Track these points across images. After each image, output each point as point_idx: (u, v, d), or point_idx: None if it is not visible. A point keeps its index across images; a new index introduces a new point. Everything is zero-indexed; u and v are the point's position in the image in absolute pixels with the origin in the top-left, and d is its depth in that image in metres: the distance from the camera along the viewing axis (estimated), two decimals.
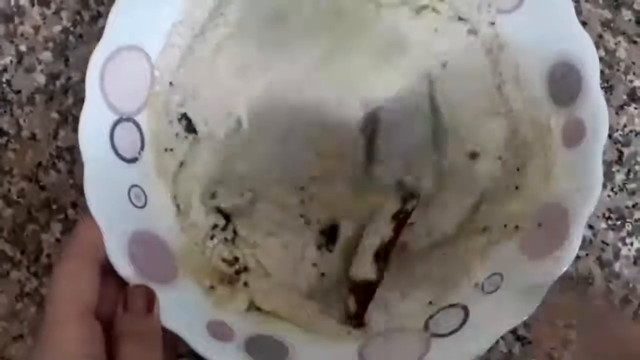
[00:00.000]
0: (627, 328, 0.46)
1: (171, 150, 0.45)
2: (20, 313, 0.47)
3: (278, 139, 0.46)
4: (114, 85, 0.41)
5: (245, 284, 0.44)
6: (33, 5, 0.48)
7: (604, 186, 0.46)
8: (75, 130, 0.47)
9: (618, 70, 0.48)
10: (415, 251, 0.45)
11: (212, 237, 0.45)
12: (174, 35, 0.44)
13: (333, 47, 0.46)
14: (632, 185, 0.47)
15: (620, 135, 0.47)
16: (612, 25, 0.48)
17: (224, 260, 0.45)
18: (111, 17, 0.41)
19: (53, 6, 0.48)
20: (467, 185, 0.45)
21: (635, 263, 0.47)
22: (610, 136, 0.47)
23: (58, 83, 0.48)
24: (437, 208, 0.45)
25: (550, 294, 0.41)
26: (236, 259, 0.45)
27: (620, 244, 0.47)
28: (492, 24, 0.45)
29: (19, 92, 0.48)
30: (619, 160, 0.47)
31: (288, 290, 0.45)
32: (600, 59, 0.44)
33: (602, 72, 0.46)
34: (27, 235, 0.47)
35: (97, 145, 0.40)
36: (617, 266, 0.47)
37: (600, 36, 0.48)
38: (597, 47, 0.43)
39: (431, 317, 0.43)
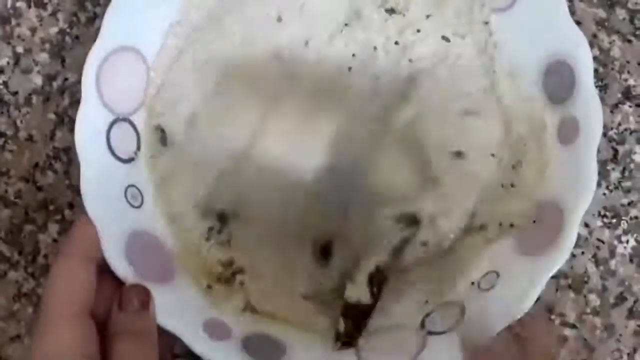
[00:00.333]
0: None
1: (165, 146, 0.45)
2: (17, 313, 0.47)
3: None
4: (110, 85, 0.41)
5: (242, 283, 0.45)
6: (29, 7, 0.48)
7: (599, 184, 0.46)
8: (72, 131, 0.47)
9: (612, 69, 0.48)
10: (413, 263, 0.45)
11: (207, 239, 0.45)
12: (171, 36, 0.44)
13: None
14: (627, 184, 0.47)
15: (615, 133, 0.48)
16: (606, 24, 0.48)
17: (219, 261, 0.45)
18: (107, 18, 0.41)
19: (49, 8, 0.48)
20: (463, 188, 0.45)
21: (631, 261, 0.47)
22: (605, 134, 0.47)
23: (55, 84, 0.48)
24: (439, 221, 0.45)
25: (546, 292, 0.41)
26: (232, 262, 0.45)
27: (615, 242, 0.47)
28: (486, 23, 0.45)
29: (15, 93, 0.48)
30: (614, 158, 0.47)
31: (284, 292, 0.45)
32: (595, 57, 0.44)
33: (596, 70, 0.46)
34: (25, 236, 0.47)
35: (94, 146, 0.40)
36: (612, 264, 0.47)
37: (595, 35, 0.48)
38: (592, 46, 0.43)
39: (427, 315, 0.43)
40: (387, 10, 0.46)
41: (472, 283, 0.43)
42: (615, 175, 0.47)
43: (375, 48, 0.46)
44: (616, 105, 0.48)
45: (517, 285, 0.41)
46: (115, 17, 0.41)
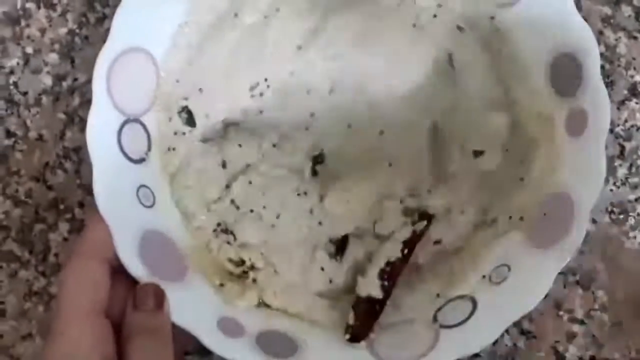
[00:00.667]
0: None
1: (174, 149, 0.45)
2: (28, 312, 0.47)
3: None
4: (121, 86, 0.41)
5: (254, 280, 0.45)
6: (39, 7, 0.49)
7: (607, 181, 0.46)
8: (82, 130, 0.47)
9: (619, 65, 0.48)
10: (426, 259, 0.46)
11: (217, 236, 0.45)
12: (180, 36, 0.44)
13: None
14: (634, 180, 0.47)
15: (622, 130, 0.48)
16: (612, 21, 0.49)
17: (230, 260, 0.45)
18: (116, 19, 0.41)
19: (59, 8, 0.49)
20: (477, 185, 0.45)
21: (639, 256, 0.47)
22: (611, 131, 0.47)
23: (64, 84, 0.48)
24: (453, 218, 0.45)
25: (554, 288, 0.41)
26: (242, 260, 0.45)
27: (623, 238, 0.47)
28: (492, 18, 0.45)
29: (25, 93, 0.48)
30: (621, 154, 0.48)
31: (297, 289, 0.45)
32: (601, 54, 0.44)
33: (602, 67, 0.46)
34: (35, 235, 0.48)
35: (105, 147, 0.40)
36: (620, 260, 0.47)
37: (601, 32, 0.48)
38: (598, 43, 0.43)
39: (439, 309, 0.43)
40: None
41: (483, 276, 0.43)
42: (622, 171, 0.48)
43: None
44: (623, 102, 0.48)
45: (528, 277, 0.41)
46: (124, 18, 0.41)
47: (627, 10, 0.49)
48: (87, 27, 0.49)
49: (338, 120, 0.47)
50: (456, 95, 0.46)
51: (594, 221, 0.47)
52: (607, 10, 0.49)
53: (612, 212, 0.47)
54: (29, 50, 0.49)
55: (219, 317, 0.41)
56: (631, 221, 0.47)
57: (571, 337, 0.46)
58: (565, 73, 0.43)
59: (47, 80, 0.48)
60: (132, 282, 0.40)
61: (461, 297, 0.43)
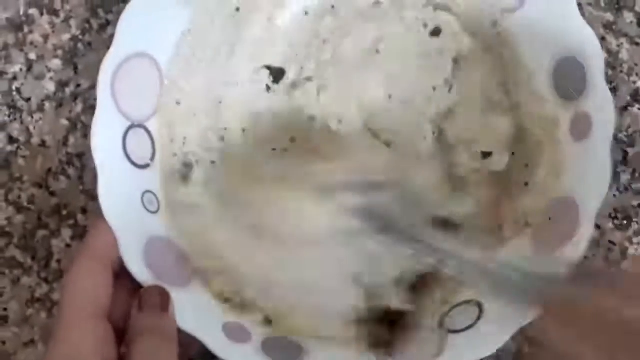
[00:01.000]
0: None
1: (176, 155, 0.45)
2: (31, 319, 0.47)
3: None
4: (125, 92, 0.41)
5: (261, 308, 0.44)
6: (42, 14, 0.49)
7: (610, 187, 0.46)
8: (85, 136, 0.47)
9: (621, 72, 0.48)
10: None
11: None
12: (183, 44, 0.44)
13: None
14: (637, 185, 0.47)
15: (625, 136, 0.48)
16: (614, 27, 0.49)
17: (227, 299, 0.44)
18: (120, 24, 0.41)
19: (62, 15, 0.49)
20: (489, 188, 0.45)
21: None
22: (615, 137, 0.47)
23: (67, 90, 0.48)
24: (476, 223, 0.45)
25: None
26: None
27: (627, 244, 0.47)
28: (495, 23, 0.45)
29: (28, 99, 0.48)
30: (624, 160, 0.48)
31: (304, 311, 0.44)
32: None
33: (605, 73, 0.46)
34: (38, 241, 0.48)
35: (110, 152, 0.40)
36: (624, 265, 0.47)
37: (603, 38, 0.48)
38: None
39: (446, 314, 0.43)
40: None
41: None
42: (625, 177, 0.48)
43: None
44: (625, 108, 0.48)
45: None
46: (129, 24, 0.41)
47: (629, 17, 0.49)
48: (90, 33, 0.49)
49: None
50: (458, 99, 0.46)
51: (597, 227, 0.47)
52: (609, 16, 0.49)
53: (615, 218, 0.47)
54: (32, 56, 0.49)
55: (224, 322, 0.41)
56: (635, 227, 0.47)
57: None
58: (569, 77, 0.43)
59: (50, 87, 0.48)
60: (135, 286, 0.40)
61: (467, 302, 0.43)
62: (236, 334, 0.41)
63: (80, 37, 0.49)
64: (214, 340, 0.40)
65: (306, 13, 0.48)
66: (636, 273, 0.43)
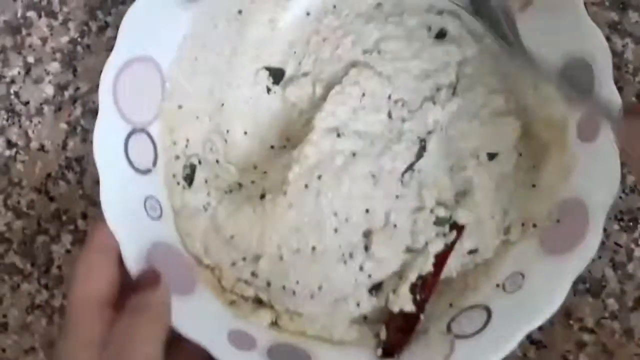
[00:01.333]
0: None
1: (177, 158, 0.45)
2: (31, 325, 0.47)
3: None
4: (127, 96, 0.40)
5: (270, 305, 0.44)
6: (40, 16, 0.48)
7: None
8: (84, 140, 0.47)
9: (626, 72, 0.48)
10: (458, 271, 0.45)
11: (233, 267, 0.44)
12: (185, 47, 0.43)
13: None
14: None
15: None
16: (619, 27, 0.48)
17: (242, 295, 0.44)
18: (123, 28, 0.40)
19: (60, 17, 0.48)
20: (497, 190, 0.45)
21: None
22: None
23: (66, 94, 0.48)
24: (482, 225, 0.45)
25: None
26: (260, 299, 0.44)
27: (633, 246, 0.47)
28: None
29: (27, 103, 0.48)
30: None
31: (318, 317, 0.44)
32: None
33: None
34: (38, 247, 0.47)
35: (112, 157, 0.40)
36: (630, 268, 0.46)
37: (608, 38, 0.48)
38: None
39: (453, 319, 0.43)
40: None
41: (497, 285, 0.43)
42: (631, 179, 0.47)
43: None
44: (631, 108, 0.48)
45: (543, 285, 0.41)
46: (130, 28, 0.40)
47: (634, 16, 0.48)
48: (88, 35, 0.48)
49: None
50: (463, 103, 0.46)
51: (603, 229, 0.46)
52: (614, 16, 0.48)
53: (621, 219, 0.47)
54: (30, 59, 0.48)
55: (229, 330, 0.41)
56: None
57: (581, 346, 0.46)
58: (576, 78, 0.42)
59: (49, 90, 0.48)
60: None
61: (474, 306, 0.43)
62: (241, 341, 0.41)
63: (79, 39, 0.48)
64: (219, 348, 0.39)
65: (308, 14, 0.47)
66: None
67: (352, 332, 0.44)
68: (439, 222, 0.45)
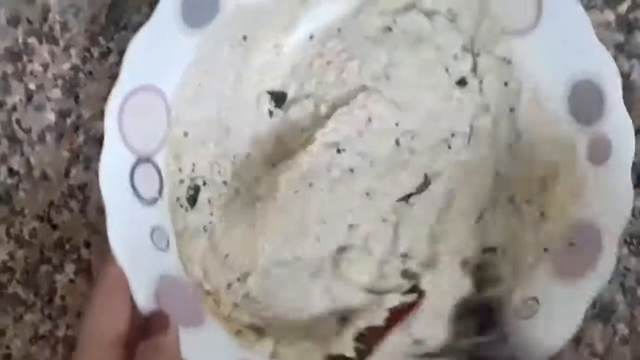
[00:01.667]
0: None
1: (182, 181, 0.44)
2: (35, 356, 0.46)
3: None
4: (132, 126, 0.40)
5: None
6: (41, 42, 0.47)
7: None
8: (86, 168, 0.46)
9: (633, 93, 0.48)
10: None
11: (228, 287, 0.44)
12: (190, 74, 0.43)
13: None
14: None
15: (638, 160, 0.47)
16: (625, 48, 0.48)
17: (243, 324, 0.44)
18: (127, 57, 0.40)
19: (62, 43, 0.47)
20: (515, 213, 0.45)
21: None
22: None
23: (68, 121, 0.47)
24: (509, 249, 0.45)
25: None
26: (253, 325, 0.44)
27: None
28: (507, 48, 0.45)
29: (29, 130, 0.47)
30: (638, 185, 0.47)
31: (312, 348, 0.44)
32: None
33: None
34: (41, 277, 0.47)
35: (118, 188, 0.39)
36: None
37: (614, 59, 0.48)
38: None
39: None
40: None
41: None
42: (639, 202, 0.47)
43: None
44: (638, 131, 0.47)
45: (558, 310, 0.41)
46: (135, 57, 0.40)
47: None
48: (90, 62, 0.47)
49: None
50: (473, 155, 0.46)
51: None
52: (620, 37, 0.48)
53: (631, 243, 0.47)
54: (32, 86, 0.47)
55: None
56: None
57: None
58: (585, 100, 0.42)
59: (51, 117, 0.47)
60: None
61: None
62: None
63: (81, 66, 0.47)
64: None
65: (311, 37, 0.47)
66: None
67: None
68: (405, 275, 0.44)
